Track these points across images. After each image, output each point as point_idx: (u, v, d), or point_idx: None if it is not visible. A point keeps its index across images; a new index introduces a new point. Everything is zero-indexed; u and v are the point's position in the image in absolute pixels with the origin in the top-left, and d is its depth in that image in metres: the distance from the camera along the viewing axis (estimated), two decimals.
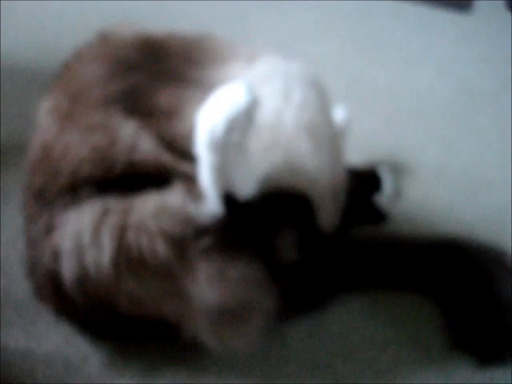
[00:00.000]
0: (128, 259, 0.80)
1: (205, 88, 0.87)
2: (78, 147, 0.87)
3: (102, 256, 0.80)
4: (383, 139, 1.39)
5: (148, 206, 0.82)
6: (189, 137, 0.80)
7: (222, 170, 0.77)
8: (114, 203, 0.83)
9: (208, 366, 0.90)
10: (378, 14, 2.03)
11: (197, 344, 0.85)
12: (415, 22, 1.99)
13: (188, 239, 0.80)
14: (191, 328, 0.84)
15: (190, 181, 0.83)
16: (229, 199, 0.80)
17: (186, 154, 0.85)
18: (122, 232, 0.80)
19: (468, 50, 1.84)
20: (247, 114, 0.74)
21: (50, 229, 0.85)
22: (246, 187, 0.81)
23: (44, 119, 0.95)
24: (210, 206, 0.81)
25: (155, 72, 0.99)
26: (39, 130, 0.94)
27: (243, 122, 0.75)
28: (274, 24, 1.89)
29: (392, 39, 1.87)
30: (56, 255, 0.83)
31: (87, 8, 1.87)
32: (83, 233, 0.81)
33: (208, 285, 0.79)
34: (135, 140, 0.87)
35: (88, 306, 0.84)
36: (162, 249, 0.79)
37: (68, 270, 0.81)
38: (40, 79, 1.27)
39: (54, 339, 0.92)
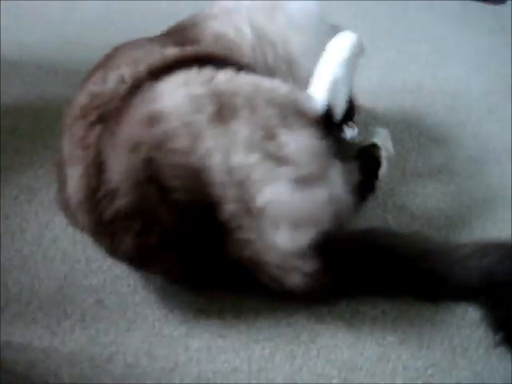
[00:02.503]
0: None
1: None
2: None
3: None
4: (415, 134, 1.35)
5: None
6: None
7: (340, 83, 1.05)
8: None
9: None
10: (411, 3, 1.98)
11: None
12: (448, 14, 1.93)
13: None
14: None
15: None
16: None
17: None
18: None
19: (503, 43, 1.77)
20: (360, 44, 1.11)
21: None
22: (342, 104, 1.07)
23: None
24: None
25: None
26: None
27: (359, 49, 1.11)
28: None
29: (425, 30, 1.82)
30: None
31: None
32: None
33: None
34: None
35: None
36: None
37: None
38: None
39: (78, 338, 0.91)
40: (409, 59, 1.65)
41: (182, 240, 0.89)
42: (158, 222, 0.87)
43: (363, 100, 1.40)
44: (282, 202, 0.90)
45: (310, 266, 0.89)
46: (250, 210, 0.89)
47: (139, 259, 0.92)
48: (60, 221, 1.07)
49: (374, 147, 1.12)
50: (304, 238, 0.89)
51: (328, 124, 1.02)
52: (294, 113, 0.98)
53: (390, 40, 1.76)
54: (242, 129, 0.91)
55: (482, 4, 1.99)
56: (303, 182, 0.92)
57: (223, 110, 0.91)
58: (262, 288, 0.92)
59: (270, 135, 0.93)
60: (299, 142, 0.95)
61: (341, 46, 1.09)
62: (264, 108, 0.95)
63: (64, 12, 1.84)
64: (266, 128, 0.93)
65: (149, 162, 0.87)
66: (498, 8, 1.98)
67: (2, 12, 1.74)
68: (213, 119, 0.90)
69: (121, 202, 0.87)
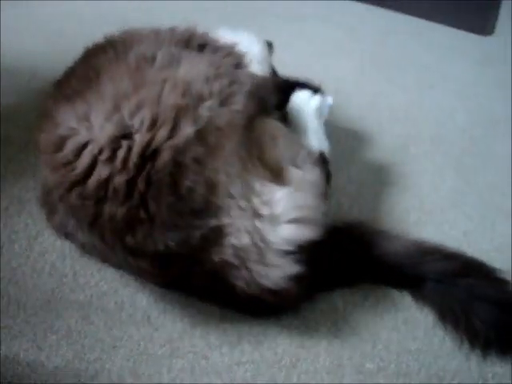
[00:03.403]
0: None
1: None
2: None
3: None
4: (399, 162, 1.38)
5: None
6: None
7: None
8: None
9: None
10: (399, 33, 2.01)
11: None
12: (436, 43, 1.97)
13: None
14: None
15: None
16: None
17: None
18: None
19: (488, 74, 1.81)
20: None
21: None
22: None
23: None
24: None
25: None
26: None
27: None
28: (296, 42, 1.89)
29: (412, 59, 1.85)
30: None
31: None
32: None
33: None
34: None
35: None
36: None
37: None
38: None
39: (64, 354, 0.92)
40: (396, 87, 1.68)
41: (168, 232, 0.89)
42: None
43: (351, 126, 1.43)
44: (281, 200, 0.95)
45: (293, 265, 0.92)
46: (242, 209, 0.92)
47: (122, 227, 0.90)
48: (49, 233, 1.08)
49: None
50: (301, 234, 0.94)
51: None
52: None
53: (379, 68, 1.79)
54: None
55: (469, 34, 2.04)
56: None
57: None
58: (242, 306, 0.95)
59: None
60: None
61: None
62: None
63: (62, 22, 1.85)
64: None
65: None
66: (486, 39, 2.03)
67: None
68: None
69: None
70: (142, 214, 0.87)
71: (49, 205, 1.03)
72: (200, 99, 0.94)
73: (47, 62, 1.61)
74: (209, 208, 0.90)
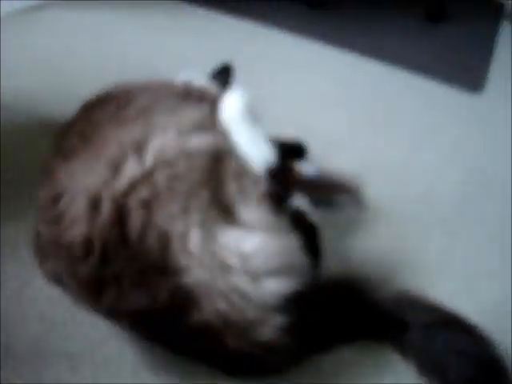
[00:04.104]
0: None
1: None
2: None
3: None
4: (386, 220, 1.40)
5: None
6: None
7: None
8: None
9: None
10: (390, 85, 2.06)
11: None
12: (427, 97, 2.02)
13: None
14: None
15: None
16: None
17: None
18: None
19: (479, 132, 1.85)
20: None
21: None
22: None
23: None
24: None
25: None
26: None
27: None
28: (285, 95, 1.93)
29: (402, 114, 1.90)
30: None
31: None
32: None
33: None
34: None
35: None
36: None
37: None
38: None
39: None
40: (387, 144, 1.71)
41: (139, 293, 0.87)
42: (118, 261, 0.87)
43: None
44: (260, 252, 0.92)
45: (281, 319, 0.90)
46: (223, 268, 0.89)
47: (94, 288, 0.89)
48: (40, 280, 1.08)
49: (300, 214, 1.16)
50: (285, 287, 0.91)
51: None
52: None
53: (368, 122, 1.83)
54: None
55: (460, 90, 2.09)
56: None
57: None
58: (230, 364, 0.94)
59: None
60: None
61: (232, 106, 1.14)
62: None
63: (61, 60, 1.89)
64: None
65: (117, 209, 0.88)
66: (476, 96, 2.08)
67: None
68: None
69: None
70: (106, 273, 0.87)
71: (41, 252, 1.02)
72: (153, 135, 0.95)
73: (46, 100, 1.64)
74: (166, 266, 0.86)
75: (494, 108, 2.02)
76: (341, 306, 1.02)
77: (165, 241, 0.86)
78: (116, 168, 0.91)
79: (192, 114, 1.07)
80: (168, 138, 0.96)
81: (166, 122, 1.01)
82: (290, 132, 1.54)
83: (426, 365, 1.01)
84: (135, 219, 0.86)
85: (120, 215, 0.86)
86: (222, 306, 0.87)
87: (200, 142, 0.99)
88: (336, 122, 1.79)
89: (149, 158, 0.92)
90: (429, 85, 2.11)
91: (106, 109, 1.08)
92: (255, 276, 0.90)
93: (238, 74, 1.58)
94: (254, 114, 1.15)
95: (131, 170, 0.89)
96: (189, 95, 1.16)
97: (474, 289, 1.24)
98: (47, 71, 1.81)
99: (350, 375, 1.02)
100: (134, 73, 1.78)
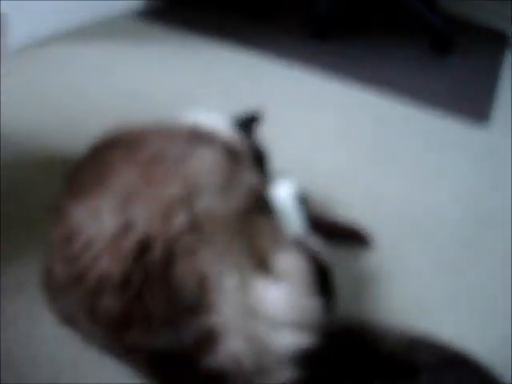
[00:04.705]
0: None
1: None
2: None
3: None
4: (390, 260, 1.40)
5: None
6: None
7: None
8: None
9: None
10: (392, 122, 2.08)
11: None
12: (433, 132, 2.04)
13: None
14: None
15: None
16: None
17: None
18: None
19: (484, 168, 1.86)
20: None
21: None
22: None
23: None
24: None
25: None
26: None
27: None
28: (293, 127, 1.95)
29: (407, 150, 1.91)
30: None
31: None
32: None
33: None
34: None
35: None
36: None
37: None
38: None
39: None
40: (390, 180, 1.73)
41: (159, 333, 0.89)
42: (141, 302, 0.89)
43: (346, 216, 1.46)
44: (284, 303, 0.94)
45: (293, 370, 0.90)
46: (250, 313, 0.91)
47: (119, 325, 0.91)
48: (50, 320, 1.08)
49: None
50: (301, 341, 0.92)
51: None
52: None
53: (372, 157, 1.84)
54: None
55: (466, 124, 2.11)
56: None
57: None
58: None
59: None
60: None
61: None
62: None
63: (69, 98, 1.91)
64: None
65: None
66: (482, 129, 2.09)
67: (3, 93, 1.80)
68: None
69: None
70: (138, 309, 0.88)
71: (51, 292, 1.03)
72: (198, 191, 0.98)
73: (53, 137, 1.65)
74: (201, 304, 0.89)
75: (499, 138, 2.03)
76: (352, 356, 1.01)
77: (203, 280, 0.89)
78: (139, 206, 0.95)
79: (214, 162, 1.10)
80: (212, 195, 1.00)
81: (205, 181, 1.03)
82: (293, 167, 1.55)
83: None
84: (181, 263, 0.90)
85: (168, 258, 0.90)
86: (240, 346, 0.88)
87: (236, 197, 1.05)
88: (337, 158, 1.80)
89: (196, 212, 0.95)
90: (432, 117, 2.12)
91: (118, 151, 1.10)
92: (275, 325, 0.92)
93: (245, 108, 1.59)
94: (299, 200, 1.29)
95: (180, 219, 0.93)
96: (198, 138, 1.18)
97: (480, 329, 1.24)
98: (53, 107, 1.82)
99: None
100: (142, 109, 1.80)
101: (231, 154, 1.18)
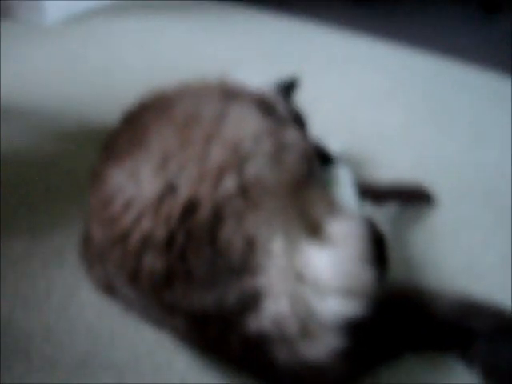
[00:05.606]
0: None
1: None
2: None
3: None
4: (448, 220, 1.33)
5: None
6: None
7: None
8: None
9: None
10: (444, 82, 1.99)
11: None
12: (483, 92, 1.94)
13: None
14: None
15: None
16: None
17: None
18: None
19: None
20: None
21: None
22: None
23: None
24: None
25: None
26: None
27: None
28: (338, 88, 1.88)
29: (459, 110, 1.82)
30: None
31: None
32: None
33: None
34: None
35: None
36: None
37: None
38: None
39: None
40: (444, 138, 1.65)
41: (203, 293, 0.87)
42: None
43: (397, 178, 1.39)
44: (334, 270, 0.89)
45: (339, 339, 0.86)
46: (297, 276, 0.88)
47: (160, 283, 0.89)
48: (87, 289, 1.07)
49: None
50: (349, 309, 0.87)
51: None
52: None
53: (425, 117, 1.76)
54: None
55: None
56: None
57: None
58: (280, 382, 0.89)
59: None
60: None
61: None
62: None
63: (67, 70, 1.90)
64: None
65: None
66: None
67: (3, 69, 1.80)
68: None
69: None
70: (181, 269, 0.86)
71: (90, 258, 1.02)
72: (248, 157, 0.94)
73: (93, 108, 1.64)
74: (246, 265, 0.86)
75: None
76: (404, 322, 0.97)
77: (250, 243, 0.87)
78: (180, 168, 0.93)
79: (258, 125, 1.06)
80: (262, 165, 0.96)
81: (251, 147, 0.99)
82: (342, 127, 1.49)
83: (493, 373, 0.94)
84: (228, 225, 0.87)
85: (215, 220, 0.88)
86: (284, 309, 0.85)
87: (288, 162, 1.01)
88: (389, 118, 1.73)
89: (246, 177, 0.93)
90: (484, 77, 2.02)
91: (150, 112, 1.08)
92: (323, 291, 0.88)
93: (288, 72, 1.53)
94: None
95: (229, 184, 0.91)
96: (228, 94, 1.14)
97: None
98: (94, 79, 1.82)
99: None
100: (181, 77, 1.76)
101: (266, 107, 1.14)
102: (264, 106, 1.17)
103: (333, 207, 1.02)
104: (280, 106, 1.27)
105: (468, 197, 1.41)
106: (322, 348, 0.86)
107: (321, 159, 1.21)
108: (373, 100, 1.84)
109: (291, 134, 1.09)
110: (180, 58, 2.01)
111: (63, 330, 1.01)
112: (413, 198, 1.38)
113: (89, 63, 1.94)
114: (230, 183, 0.90)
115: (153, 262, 0.87)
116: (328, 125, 1.48)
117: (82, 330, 1.01)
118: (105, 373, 0.95)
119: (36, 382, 0.92)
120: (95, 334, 1.01)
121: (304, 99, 1.42)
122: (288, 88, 1.43)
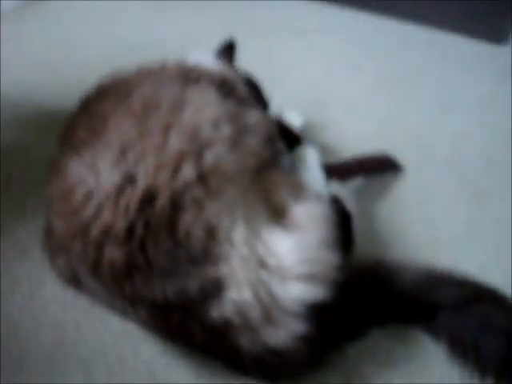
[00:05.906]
0: None
1: None
2: None
3: None
4: (412, 188, 1.33)
5: None
6: None
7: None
8: None
9: None
10: (411, 46, 1.98)
11: None
12: (450, 55, 1.93)
13: None
14: None
15: None
16: None
17: None
18: None
19: (505, 87, 1.75)
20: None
21: None
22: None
23: None
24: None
25: None
26: None
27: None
28: (302, 58, 1.85)
29: (425, 74, 1.81)
30: None
31: None
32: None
33: None
34: None
35: None
36: None
37: None
38: None
39: None
40: (409, 106, 1.64)
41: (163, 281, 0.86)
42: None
43: (362, 148, 1.39)
44: (295, 255, 0.89)
45: (301, 324, 0.87)
46: (259, 263, 0.87)
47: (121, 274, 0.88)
48: (51, 282, 1.06)
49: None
50: (312, 294, 0.88)
51: None
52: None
53: (391, 85, 1.75)
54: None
55: (484, 45, 2.00)
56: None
57: None
58: (245, 367, 0.90)
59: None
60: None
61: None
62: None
63: (62, 52, 1.86)
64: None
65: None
66: (500, 49, 1.97)
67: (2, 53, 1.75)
68: None
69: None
70: (141, 260, 0.85)
71: (52, 250, 1.01)
72: (207, 144, 0.93)
73: (50, 93, 1.60)
74: (207, 255, 0.86)
75: None
76: (368, 299, 0.97)
77: (210, 232, 0.87)
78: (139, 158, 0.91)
79: (217, 109, 1.03)
80: (222, 151, 0.95)
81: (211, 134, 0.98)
82: (308, 98, 1.47)
83: (458, 344, 0.95)
84: (187, 214, 0.87)
85: (174, 209, 0.86)
86: (247, 297, 0.85)
87: (250, 145, 1.00)
88: (356, 86, 1.73)
89: (205, 164, 0.91)
90: (451, 41, 2.01)
91: (108, 100, 1.05)
92: (285, 277, 0.88)
93: (252, 45, 1.51)
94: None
95: (188, 172, 0.89)
96: (187, 78, 1.12)
97: (505, 259, 1.16)
98: (50, 63, 1.77)
99: (376, 362, 0.97)
100: (140, 57, 1.73)
101: (226, 89, 1.12)
102: (224, 87, 1.15)
103: (298, 190, 1.01)
104: (240, 86, 1.25)
105: (432, 165, 1.41)
106: (285, 333, 0.86)
107: (286, 140, 1.21)
108: (339, 70, 1.82)
109: (253, 115, 1.08)
110: (134, 35, 1.97)
111: (28, 326, 1.00)
112: (379, 169, 1.38)
113: (45, 47, 1.89)
114: (188, 171, 0.89)
115: (113, 254, 0.86)
116: (293, 96, 1.47)
117: (47, 323, 1.01)
118: (72, 366, 0.95)
119: (3, 380, 0.92)
120: (61, 327, 1.00)
121: (272, 71, 1.39)
122: (227, 50, 1.42)
